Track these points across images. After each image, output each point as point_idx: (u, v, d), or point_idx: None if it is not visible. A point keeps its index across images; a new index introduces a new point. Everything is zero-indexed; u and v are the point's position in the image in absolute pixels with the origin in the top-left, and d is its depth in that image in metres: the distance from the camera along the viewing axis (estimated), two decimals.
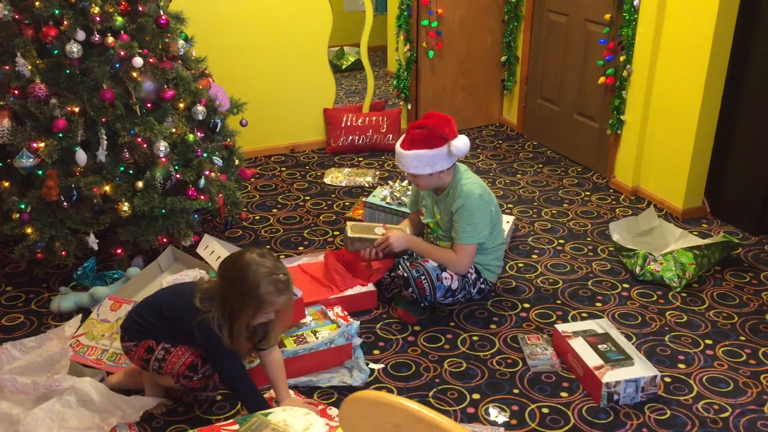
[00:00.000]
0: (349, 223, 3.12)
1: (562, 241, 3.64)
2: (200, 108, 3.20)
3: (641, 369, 2.49)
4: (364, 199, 3.83)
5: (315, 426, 1.16)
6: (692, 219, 3.85)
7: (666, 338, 2.85)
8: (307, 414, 1.23)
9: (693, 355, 2.74)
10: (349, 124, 4.78)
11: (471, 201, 2.87)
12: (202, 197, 3.13)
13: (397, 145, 2.92)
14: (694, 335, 2.86)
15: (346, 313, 2.79)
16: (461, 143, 2.84)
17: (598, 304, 3.08)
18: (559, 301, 3.11)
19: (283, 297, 2.17)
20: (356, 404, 1.04)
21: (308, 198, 4.16)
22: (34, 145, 2.84)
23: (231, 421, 1.34)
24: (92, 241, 3.01)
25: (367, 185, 4.29)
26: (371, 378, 2.60)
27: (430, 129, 2.84)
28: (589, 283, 3.25)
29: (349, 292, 3.00)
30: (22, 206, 2.91)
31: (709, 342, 2.82)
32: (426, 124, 2.86)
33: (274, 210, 4.00)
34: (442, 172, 2.89)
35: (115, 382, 2.44)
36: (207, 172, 3.16)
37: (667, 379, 2.59)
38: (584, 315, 3.00)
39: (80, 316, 2.52)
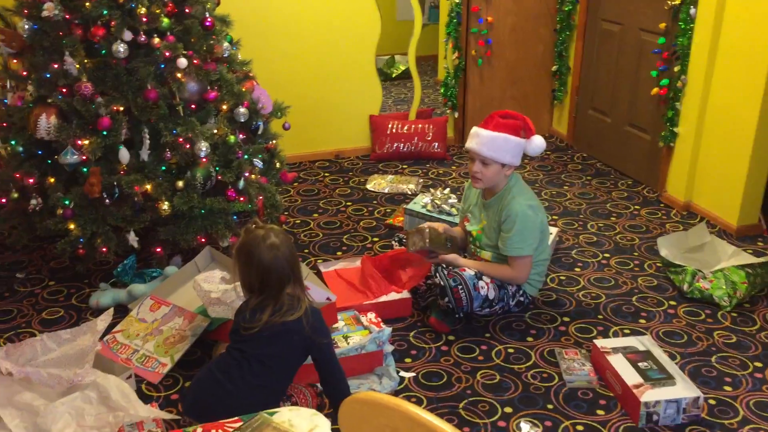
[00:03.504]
0: (426, 230, 2.91)
1: (607, 255, 3.52)
2: (242, 110, 3.20)
3: (683, 389, 2.37)
4: (404, 206, 3.79)
5: (321, 428, 1.12)
6: (747, 237, 3.68)
7: (713, 359, 2.71)
8: (314, 415, 1.19)
9: (740, 377, 2.60)
10: (394, 131, 4.75)
11: (522, 211, 2.80)
12: (242, 199, 3.14)
13: (476, 127, 2.87)
14: (743, 357, 2.72)
15: (379, 319, 2.74)
16: (540, 141, 2.86)
17: (642, 321, 2.97)
18: (600, 317, 3.00)
19: None
20: (355, 405, 0.99)
21: (350, 204, 4.14)
22: (79, 142, 2.88)
23: (236, 418, 1.31)
24: (132, 239, 3.04)
25: (409, 192, 4.24)
26: (401, 386, 2.55)
27: (518, 120, 2.85)
28: (634, 298, 3.13)
29: (384, 298, 2.97)
30: (66, 202, 2.96)
31: (758, 365, 2.67)
32: (513, 115, 2.86)
33: (315, 215, 3.99)
34: (507, 169, 2.85)
35: None
36: (247, 174, 3.16)
37: (712, 402, 2.46)
38: (626, 331, 2.89)
39: (112, 310, 2.54)
